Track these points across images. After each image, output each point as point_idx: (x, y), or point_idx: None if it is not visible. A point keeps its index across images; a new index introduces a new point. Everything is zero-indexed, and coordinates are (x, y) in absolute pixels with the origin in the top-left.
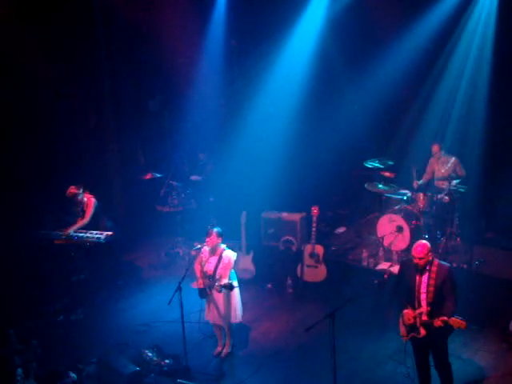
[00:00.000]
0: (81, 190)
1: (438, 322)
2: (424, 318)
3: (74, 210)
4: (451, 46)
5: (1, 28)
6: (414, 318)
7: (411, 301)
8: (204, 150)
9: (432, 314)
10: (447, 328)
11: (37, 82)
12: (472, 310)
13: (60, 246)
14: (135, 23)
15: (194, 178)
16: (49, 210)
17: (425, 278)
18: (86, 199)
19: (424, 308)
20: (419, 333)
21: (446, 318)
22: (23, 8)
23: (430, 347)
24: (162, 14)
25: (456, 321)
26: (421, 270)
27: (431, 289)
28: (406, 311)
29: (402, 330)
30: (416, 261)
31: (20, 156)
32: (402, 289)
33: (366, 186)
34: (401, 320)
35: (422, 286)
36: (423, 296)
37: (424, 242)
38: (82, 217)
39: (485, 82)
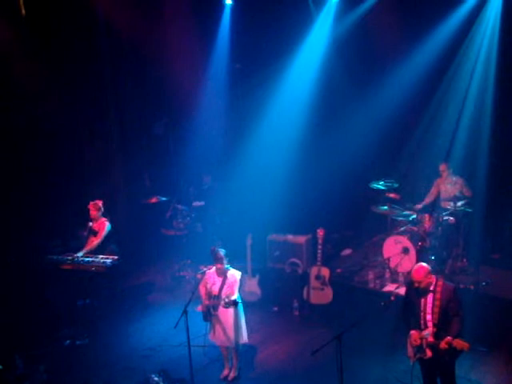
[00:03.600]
0: (103, 210)
1: (443, 345)
2: (430, 339)
3: (80, 234)
4: (456, 65)
5: (6, 51)
6: (421, 339)
7: (417, 322)
8: (209, 173)
9: (438, 335)
10: (453, 350)
11: (46, 106)
12: (480, 331)
13: (66, 271)
14: (140, 47)
15: (195, 204)
16: (55, 235)
17: (430, 298)
18: (100, 219)
19: (430, 329)
20: (425, 354)
21: (450, 339)
22: (28, 30)
23: (438, 369)
24: (166, 38)
25: (459, 342)
26: (424, 292)
27: (436, 309)
28: (412, 332)
29: (410, 350)
30: (416, 284)
31: (26, 182)
32: (408, 310)
33: (372, 208)
34: (408, 341)
35: (427, 307)
36: (429, 317)
37: (423, 264)
38: (94, 236)
39: (490, 101)
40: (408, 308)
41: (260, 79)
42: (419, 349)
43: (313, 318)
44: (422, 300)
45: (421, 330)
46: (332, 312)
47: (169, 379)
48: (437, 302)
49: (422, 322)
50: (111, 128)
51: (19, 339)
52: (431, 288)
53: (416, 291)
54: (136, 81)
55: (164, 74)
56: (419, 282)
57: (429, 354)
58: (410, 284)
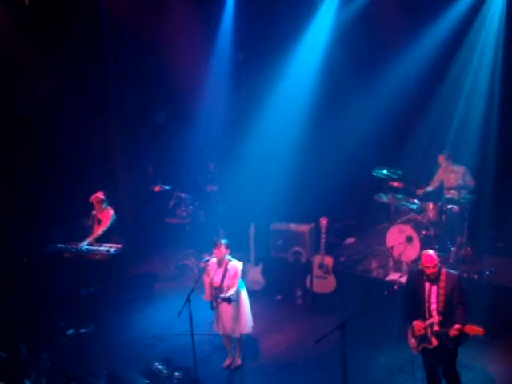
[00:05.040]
0: (106, 200)
1: (453, 332)
2: (436, 328)
3: (85, 223)
4: (463, 54)
5: (8, 38)
6: (425, 328)
7: (421, 311)
8: (213, 160)
9: (443, 324)
10: (459, 337)
11: (47, 96)
12: (483, 320)
13: (70, 260)
14: (142, 35)
15: (210, 188)
16: (59, 223)
17: (434, 287)
18: (105, 209)
19: (435, 318)
20: (431, 343)
21: (459, 326)
22: (33, 23)
23: (440, 358)
24: (169, 26)
25: (472, 328)
26: (432, 280)
27: (441, 298)
28: (415, 323)
29: (412, 342)
30: (430, 270)
31: (29, 170)
32: (410, 300)
33: (375, 197)
34: (410, 332)
35: (432, 296)
36: (434, 306)
37: (430, 250)
38: (99, 225)
39: (498, 91)
40: (409, 298)
41: (263, 68)
42: (423, 339)
43: (316, 307)
44: (427, 289)
45: (424, 319)
46: (335, 301)
47: (172, 367)
48: (441, 291)
49: (427, 311)
50: (112, 117)
51: (23, 328)
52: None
53: (419, 280)
54: (138, 70)
55: (166, 62)
56: (434, 267)
57: (434, 342)
58: (415, 274)
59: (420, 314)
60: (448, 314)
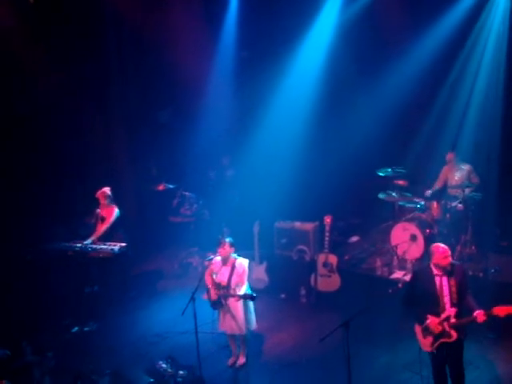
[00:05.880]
0: (111, 195)
1: (482, 317)
2: (453, 320)
3: (88, 221)
4: (466, 52)
5: (17, 44)
6: (440, 323)
7: (433, 308)
8: (226, 153)
9: (459, 315)
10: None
11: (48, 95)
12: (492, 318)
13: (73, 258)
14: (144, 34)
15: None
16: (62, 222)
17: (445, 280)
18: (109, 206)
19: (451, 310)
20: (451, 336)
21: (483, 311)
22: (35, 22)
23: (454, 352)
24: (172, 25)
25: (503, 309)
26: (447, 272)
27: (454, 289)
28: (429, 321)
29: (426, 341)
30: (447, 260)
31: (32, 169)
32: (417, 299)
33: (379, 195)
34: (420, 333)
35: (443, 290)
36: (446, 299)
37: (439, 243)
38: (102, 223)
39: (501, 88)
40: (416, 297)
41: (267, 67)
42: (441, 334)
43: (320, 306)
44: (438, 283)
45: (438, 314)
46: (339, 299)
47: (176, 365)
48: (452, 282)
49: (440, 305)
50: (115, 116)
51: (27, 326)
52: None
53: (428, 276)
54: (140, 68)
55: (169, 61)
56: (449, 256)
57: (454, 335)
58: (421, 271)
59: (431, 310)
60: (461, 305)
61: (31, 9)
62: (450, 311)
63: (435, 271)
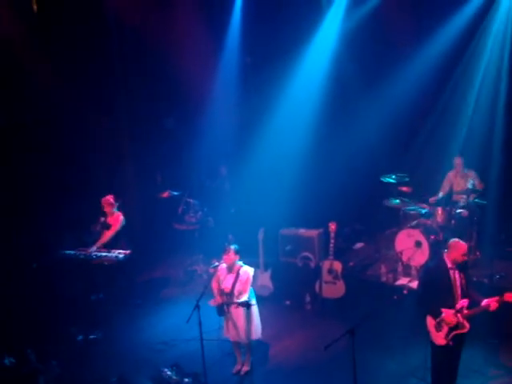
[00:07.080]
0: (117, 204)
1: (494, 305)
2: (465, 311)
3: (93, 228)
4: (470, 56)
5: (21, 51)
6: (455, 315)
7: (448, 301)
8: (225, 163)
9: (470, 306)
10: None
11: (50, 102)
12: (492, 324)
13: (79, 265)
14: (149, 39)
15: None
16: (67, 230)
17: (457, 273)
18: (114, 214)
19: (463, 302)
20: (464, 326)
21: (495, 298)
22: (40, 30)
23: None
24: (177, 31)
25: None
26: (458, 266)
27: (463, 281)
28: (445, 315)
29: (441, 334)
30: (464, 257)
31: (36, 177)
32: (432, 295)
33: (384, 202)
34: (433, 327)
35: (456, 282)
36: (459, 291)
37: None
38: (107, 230)
39: (504, 93)
40: (431, 293)
41: (271, 73)
42: (456, 326)
43: (325, 313)
44: (452, 277)
45: (453, 307)
46: (344, 306)
47: (182, 373)
48: (462, 275)
49: (455, 297)
50: (120, 123)
51: (32, 334)
52: None
53: (445, 271)
54: (145, 75)
55: (174, 67)
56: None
57: (467, 325)
58: (436, 268)
59: (446, 303)
60: (469, 294)
61: (34, 14)
62: (463, 302)
63: (449, 265)
